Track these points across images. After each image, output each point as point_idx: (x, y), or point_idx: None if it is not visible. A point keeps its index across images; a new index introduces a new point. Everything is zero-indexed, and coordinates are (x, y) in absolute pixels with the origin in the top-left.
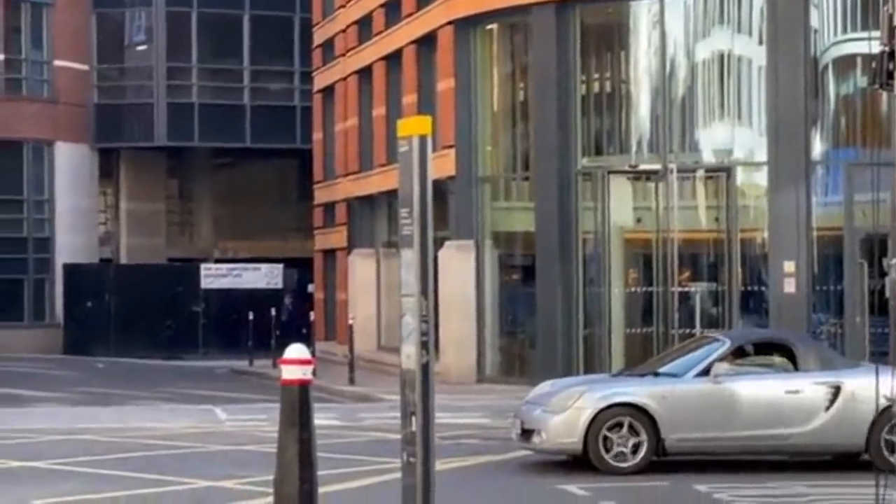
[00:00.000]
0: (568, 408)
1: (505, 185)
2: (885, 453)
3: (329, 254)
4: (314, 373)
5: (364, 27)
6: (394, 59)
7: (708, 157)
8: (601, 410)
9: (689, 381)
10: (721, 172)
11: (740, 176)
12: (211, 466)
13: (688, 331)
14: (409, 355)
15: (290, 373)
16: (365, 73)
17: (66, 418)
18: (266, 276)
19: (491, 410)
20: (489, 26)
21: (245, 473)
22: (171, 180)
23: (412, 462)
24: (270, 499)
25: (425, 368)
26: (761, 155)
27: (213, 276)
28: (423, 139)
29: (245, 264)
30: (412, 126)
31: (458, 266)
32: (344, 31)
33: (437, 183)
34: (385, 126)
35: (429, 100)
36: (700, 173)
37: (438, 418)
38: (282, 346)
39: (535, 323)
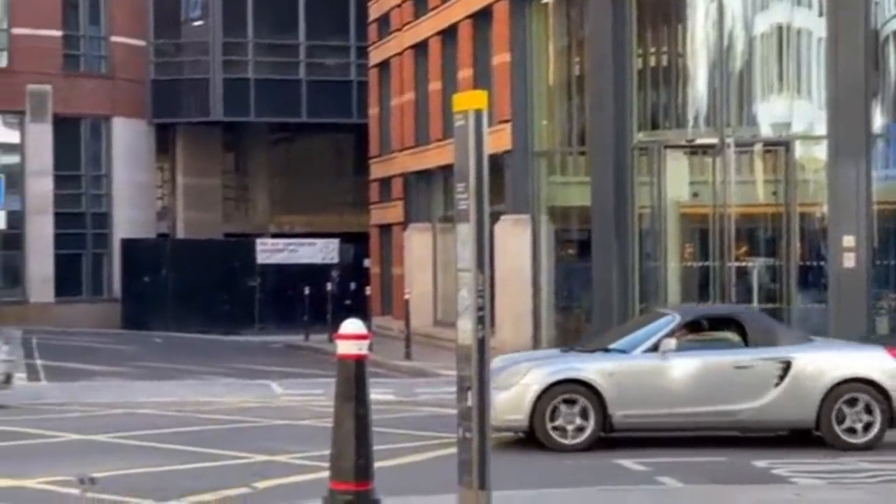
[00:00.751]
0: (514, 384)
1: (561, 160)
2: (836, 429)
3: (385, 228)
4: (370, 348)
5: (419, 2)
6: (449, 33)
7: (766, 131)
8: (548, 387)
9: (636, 357)
10: (779, 146)
11: (799, 150)
12: (267, 441)
13: (745, 306)
14: (466, 330)
15: (345, 348)
16: (421, 48)
17: (125, 392)
18: (322, 251)
19: None
20: (545, 0)
21: (301, 448)
22: (228, 155)
23: (468, 437)
24: (326, 473)
25: (481, 343)
26: (820, 128)
27: (269, 251)
28: (478, 113)
29: (301, 239)
30: (468, 100)
31: (514, 241)
32: (399, 5)
33: (492, 157)
34: (441, 101)
35: (485, 74)
36: (758, 147)
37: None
38: (335, 322)
39: (590, 297)
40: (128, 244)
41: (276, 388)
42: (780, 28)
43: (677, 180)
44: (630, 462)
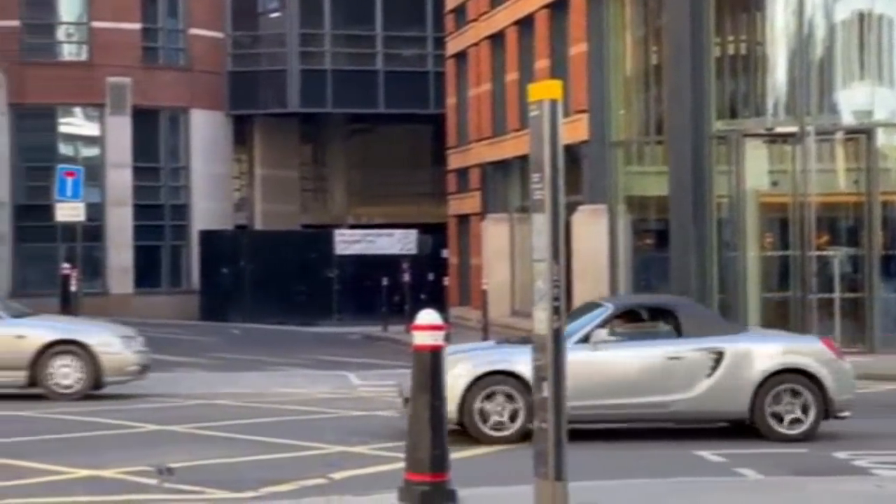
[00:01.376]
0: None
1: (638, 150)
2: (769, 420)
3: (463, 219)
4: (448, 338)
5: None
6: (526, 23)
7: (847, 119)
8: (477, 379)
9: (568, 348)
10: (861, 134)
11: (881, 137)
12: (344, 432)
13: (826, 296)
14: (541, 320)
15: (421, 338)
16: (497, 38)
17: (204, 383)
18: (400, 242)
19: None
20: None
21: (378, 439)
22: (305, 147)
23: (544, 427)
24: (402, 464)
25: (557, 333)
26: None
27: (347, 242)
28: (553, 103)
29: (378, 230)
30: (543, 90)
31: (591, 230)
32: None
33: (569, 147)
34: (518, 91)
35: (561, 64)
36: (839, 135)
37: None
38: (413, 312)
39: (668, 287)
40: (206, 236)
41: (354, 378)
42: (861, 15)
43: (756, 169)
44: (708, 453)
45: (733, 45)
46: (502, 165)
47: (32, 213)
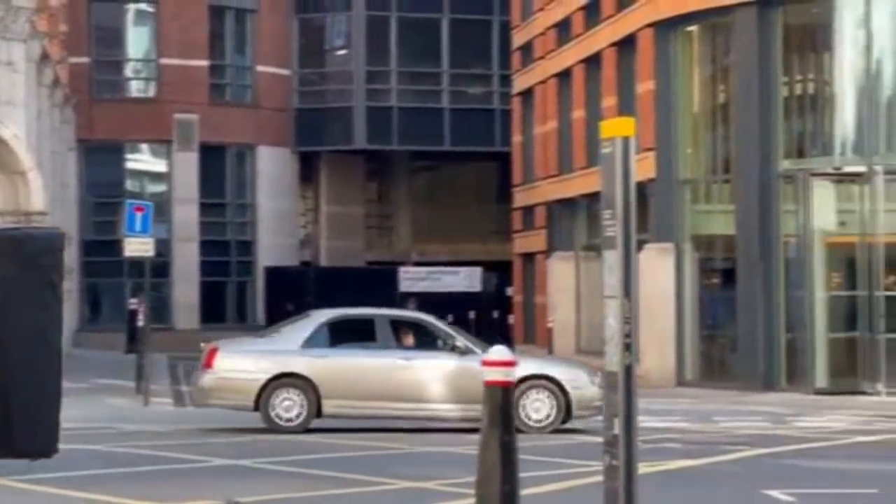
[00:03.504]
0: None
1: (705, 188)
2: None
3: (528, 257)
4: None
5: (563, 30)
6: (593, 61)
7: None
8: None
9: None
10: None
11: None
12: (411, 467)
13: (894, 336)
14: (613, 357)
15: (493, 374)
16: (564, 76)
17: None
18: (465, 280)
19: (693, 415)
20: (689, 28)
21: (444, 474)
22: (370, 183)
23: (615, 465)
24: (472, 500)
25: (628, 370)
26: None
27: (412, 280)
28: (626, 140)
29: (443, 267)
30: (615, 127)
31: (658, 269)
32: (543, 33)
33: (637, 185)
34: (584, 129)
35: (628, 102)
36: None
37: (639, 422)
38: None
39: (735, 326)
40: (272, 272)
41: None
42: None
43: (824, 209)
44: (777, 493)
45: (801, 85)
46: (568, 203)
47: (100, 249)
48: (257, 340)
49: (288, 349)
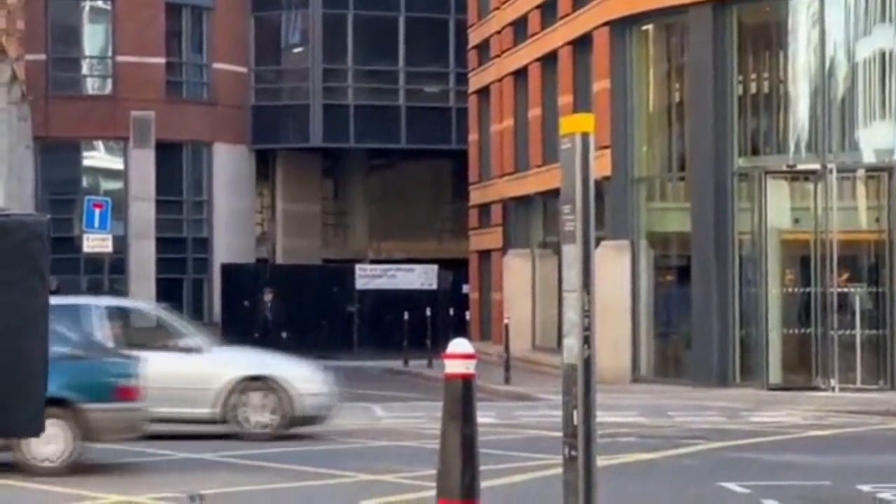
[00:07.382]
0: None
1: (660, 186)
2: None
3: (484, 254)
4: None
5: (519, 28)
6: (549, 60)
7: (868, 157)
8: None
9: None
10: (882, 172)
11: None
12: (372, 460)
13: (848, 332)
14: (572, 349)
15: (453, 367)
16: (520, 75)
17: None
18: (420, 277)
19: (647, 409)
20: (645, 27)
21: (407, 467)
22: (327, 181)
23: (574, 456)
24: (433, 492)
25: (587, 363)
26: None
27: (368, 277)
28: (585, 136)
29: (399, 265)
30: (574, 124)
31: (614, 266)
32: (499, 32)
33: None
34: (540, 127)
35: (584, 100)
36: (860, 173)
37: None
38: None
39: (690, 323)
40: (228, 269)
41: (379, 410)
42: (882, 54)
43: (778, 206)
44: (734, 485)
45: (755, 83)
46: (524, 201)
47: (56, 246)
48: None
49: None
